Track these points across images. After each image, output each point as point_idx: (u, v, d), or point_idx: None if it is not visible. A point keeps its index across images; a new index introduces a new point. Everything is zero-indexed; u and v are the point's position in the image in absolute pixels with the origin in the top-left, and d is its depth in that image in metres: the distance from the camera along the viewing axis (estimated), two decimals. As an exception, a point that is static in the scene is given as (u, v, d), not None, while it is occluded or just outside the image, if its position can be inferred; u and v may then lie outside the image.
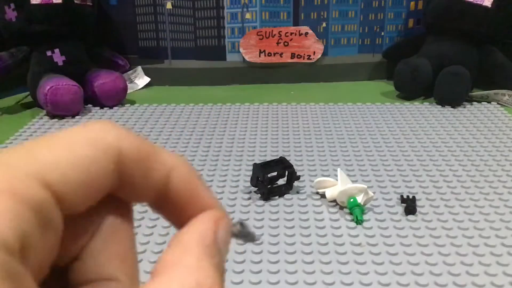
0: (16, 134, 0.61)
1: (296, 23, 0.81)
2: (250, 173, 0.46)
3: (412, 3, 0.82)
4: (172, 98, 0.76)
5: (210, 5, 0.80)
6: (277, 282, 0.33)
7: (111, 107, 0.71)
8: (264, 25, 0.80)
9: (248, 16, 0.80)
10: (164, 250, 0.14)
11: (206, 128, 0.63)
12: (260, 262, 0.35)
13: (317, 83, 0.84)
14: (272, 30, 0.80)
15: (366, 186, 0.41)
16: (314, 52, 0.82)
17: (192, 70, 0.83)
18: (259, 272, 0.34)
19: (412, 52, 0.78)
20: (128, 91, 0.74)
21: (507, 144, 0.56)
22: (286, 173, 0.45)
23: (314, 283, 0.33)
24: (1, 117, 0.70)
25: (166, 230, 0.38)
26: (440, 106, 0.69)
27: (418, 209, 0.42)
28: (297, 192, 0.45)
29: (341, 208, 0.42)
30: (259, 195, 0.44)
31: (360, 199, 0.41)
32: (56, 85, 0.64)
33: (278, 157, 0.46)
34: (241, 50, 0.81)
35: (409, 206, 0.41)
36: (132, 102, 0.74)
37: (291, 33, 0.81)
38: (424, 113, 0.67)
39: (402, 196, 0.43)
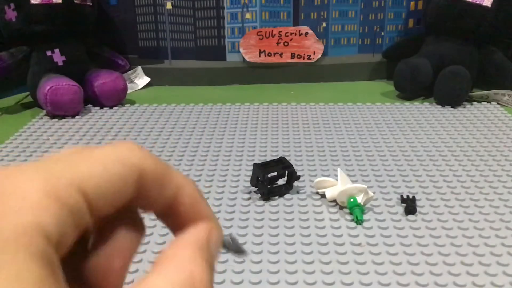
0: (16, 134, 0.61)
1: (296, 23, 0.81)
2: (250, 173, 0.46)
3: (412, 3, 0.82)
4: (172, 98, 0.76)
5: (210, 5, 0.80)
6: (277, 282, 0.33)
7: (111, 107, 0.71)
8: (264, 25, 0.80)
9: (248, 16, 0.80)
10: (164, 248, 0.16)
11: (206, 128, 0.63)
12: (260, 262, 0.35)
13: (317, 83, 0.84)
14: (272, 30, 0.80)
15: (366, 186, 0.41)
16: (314, 52, 0.82)
17: (192, 70, 0.83)
18: (259, 272, 0.34)
19: (412, 52, 0.78)
20: (128, 91, 0.74)
21: (507, 144, 0.56)
22: (286, 173, 0.45)
23: (314, 283, 0.33)
24: (1, 117, 0.70)
25: (166, 231, 0.38)
26: (440, 106, 0.69)
27: (418, 209, 0.42)
28: (297, 192, 0.45)
29: (341, 208, 0.42)
30: (259, 195, 0.44)
31: (360, 199, 0.41)
32: (56, 85, 0.64)
33: (278, 157, 0.46)
34: (241, 50, 0.81)
35: (409, 206, 0.41)
36: (132, 102, 0.74)
37: (291, 33, 0.81)
38: (424, 113, 0.67)
39: (402, 196, 0.43)
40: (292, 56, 0.82)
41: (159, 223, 0.39)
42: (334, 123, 0.63)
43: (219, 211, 0.42)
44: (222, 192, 0.46)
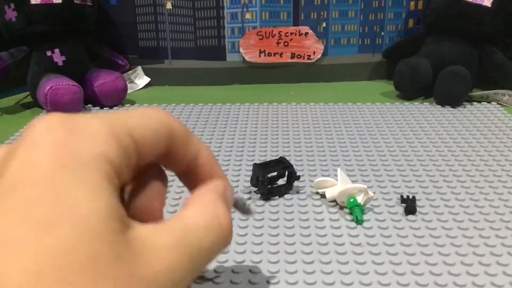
0: (16, 134, 0.61)
1: (296, 23, 0.81)
2: (250, 173, 0.46)
3: (412, 3, 0.82)
4: (172, 98, 0.76)
5: (210, 5, 0.80)
6: (277, 282, 0.33)
7: (111, 107, 0.71)
8: (264, 25, 0.80)
9: (248, 16, 0.80)
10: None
11: (206, 128, 0.63)
12: (260, 262, 0.35)
13: (317, 83, 0.84)
14: (272, 30, 0.80)
15: (366, 186, 0.41)
16: (314, 52, 0.82)
17: (192, 70, 0.83)
18: (259, 272, 0.34)
19: (412, 52, 0.78)
20: (128, 91, 0.74)
21: (507, 144, 0.56)
22: (286, 173, 0.45)
23: (314, 283, 0.33)
24: (1, 117, 0.70)
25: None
26: (440, 106, 0.69)
27: (418, 209, 0.42)
28: (297, 192, 0.45)
29: (341, 208, 0.42)
30: (259, 195, 0.44)
31: (360, 199, 0.41)
32: (56, 85, 0.64)
33: (278, 157, 0.46)
34: (241, 50, 0.81)
35: (409, 206, 0.41)
36: (132, 102, 0.74)
37: (291, 33, 0.81)
38: (424, 113, 0.67)
39: (402, 196, 0.43)
40: (292, 56, 0.82)
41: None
42: (334, 123, 0.63)
43: (219, 211, 0.42)
44: (222, 192, 0.45)
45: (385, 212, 0.42)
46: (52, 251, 0.14)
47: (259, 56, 0.81)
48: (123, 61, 0.81)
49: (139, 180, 0.21)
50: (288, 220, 0.41)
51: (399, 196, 0.44)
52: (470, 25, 0.71)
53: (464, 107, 0.69)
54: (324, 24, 0.82)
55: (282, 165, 0.44)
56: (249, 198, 0.44)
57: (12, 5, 0.68)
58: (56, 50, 0.71)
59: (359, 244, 0.37)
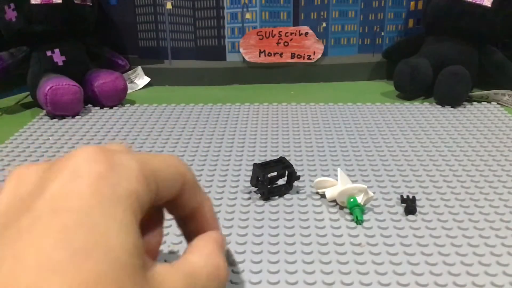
0: (16, 134, 0.61)
1: (296, 23, 0.81)
2: (250, 173, 0.46)
3: (412, 3, 0.82)
4: (172, 98, 0.76)
5: (210, 5, 0.80)
6: (277, 282, 0.33)
7: (111, 107, 0.71)
8: (264, 25, 0.80)
9: (248, 16, 0.80)
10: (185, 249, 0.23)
11: (206, 128, 0.63)
12: (260, 262, 0.35)
13: (317, 83, 0.84)
14: (272, 30, 0.80)
15: (366, 186, 0.41)
16: (314, 52, 0.82)
17: (192, 70, 0.83)
18: (259, 272, 0.34)
19: (412, 52, 0.78)
20: (128, 91, 0.74)
21: (507, 144, 0.56)
22: (286, 173, 0.45)
23: (314, 283, 0.33)
24: (1, 117, 0.70)
25: (166, 230, 0.38)
26: (440, 106, 0.69)
27: (418, 209, 0.42)
28: (297, 192, 0.45)
29: (341, 208, 0.42)
30: (259, 195, 0.44)
31: (360, 199, 0.41)
32: (56, 85, 0.64)
33: (278, 157, 0.46)
34: (241, 50, 0.81)
35: (409, 206, 0.41)
36: (132, 102, 0.74)
37: (291, 33, 0.81)
38: (424, 113, 0.67)
39: (402, 196, 0.43)
40: (292, 56, 0.82)
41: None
42: (334, 123, 0.63)
43: (219, 211, 0.42)
44: (222, 192, 0.46)
45: (385, 212, 0.42)
46: (86, 277, 0.15)
47: (259, 56, 0.81)
48: (123, 61, 0.81)
49: (147, 218, 0.22)
50: (288, 220, 0.41)
51: (399, 196, 0.44)
52: (470, 25, 0.71)
53: (464, 107, 0.69)
54: (324, 24, 0.82)
55: (282, 165, 0.44)
56: (249, 198, 0.44)
57: (12, 5, 0.68)
58: (56, 50, 0.71)
59: (359, 244, 0.37)
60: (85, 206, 0.17)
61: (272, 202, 0.43)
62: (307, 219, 0.41)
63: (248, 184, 0.46)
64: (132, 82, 0.81)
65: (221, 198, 0.44)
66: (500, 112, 0.67)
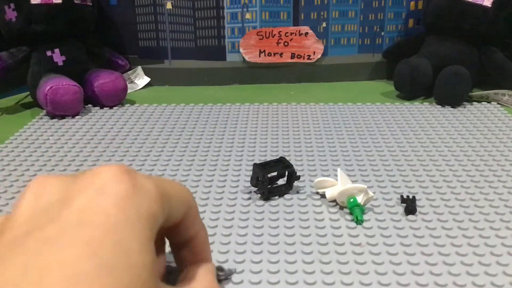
0: (16, 134, 0.61)
1: (296, 23, 0.81)
2: (250, 173, 0.46)
3: (412, 3, 0.82)
4: (172, 98, 0.76)
5: (210, 5, 0.80)
6: (277, 282, 0.33)
7: (111, 107, 0.71)
8: (264, 25, 0.80)
9: (248, 16, 0.80)
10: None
11: (206, 128, 0.63)
12: (260, 262, 0.35)
13: (317, 83, 0.84)
14: (272, 30, 0.80)
15: (366, 186, 0.41)
16: (314, 52, 0.82)
17: (192, 70, 0.83)
18: (259, 272, 0.34)
19: (412, 52, 0.78)
20: (128, 91, 0.74)
21: (507, 144, 0.56)
22: (286, 173, 0.45)
23: (314, 283, 0.33)
24: (1, 117, 0.70)
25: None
26: (440, 106, 0.69)
27: (418, 209, 0.42)
28: (297, 192, 0.45)
29: (341, 208, 0.42)
30: (259, 195, 0.44)
31: (360, 199, 0.41)
32: (56, 85, 0.64)
33: (278, 157, 0.46)
34: (241, 50, 0.81)
35: (409, 206, 0.41)
36: (132, 102, 0.74)
37: (291, 33, 0.81)
38: (424, 113, 0.67)
39: (402, 196, 0.43)
40: (292, 56, 0.82)
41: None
42: (334, 123, 0.63)
43: (219, 211, 0.42)
44: (222, 192, 0.45)
45: (385, 212, 0.42)
46: None
47: (259, 56, 0.81)
48: (123, 61, 0.81)
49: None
50: (288, 220, 0.41)
51: (399, 196, 0.44)
52: (470, 25, 0.71)
53: (464, 107, 0.69)
54: (324, 24, 0.82)
55: (282, 165, 0.44)
56: (249, 198, 0.44)
57: (12, 5, 0.68)
58: (56, 50, 0.71)
59: (359, 244, 0.37)
60: (110, 222, 0.18)
61: (272, 202, 0.43)
62: (307, 219, 0.41)
63: (248, 184, 0.46)
64: (132, 82, 0.81)
65: (221, 198, 0.44)
66: (500, 112, 0.67)
